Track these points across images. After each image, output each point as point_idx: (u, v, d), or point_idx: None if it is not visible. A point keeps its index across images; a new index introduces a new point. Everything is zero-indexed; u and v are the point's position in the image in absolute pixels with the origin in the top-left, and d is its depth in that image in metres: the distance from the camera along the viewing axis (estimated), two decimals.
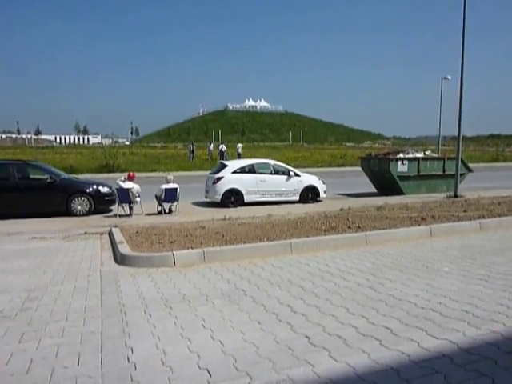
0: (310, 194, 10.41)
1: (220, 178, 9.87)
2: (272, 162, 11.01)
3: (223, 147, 28.98)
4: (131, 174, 8.68)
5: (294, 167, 11.40)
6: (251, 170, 10.29)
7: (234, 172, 10.05)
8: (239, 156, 28.79)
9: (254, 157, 23.18)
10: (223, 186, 9.80)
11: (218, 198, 9.78)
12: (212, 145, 30.88)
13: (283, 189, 10.27)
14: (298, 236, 5.54)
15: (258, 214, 7.87)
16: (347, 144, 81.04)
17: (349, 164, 26.66)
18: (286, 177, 10.33)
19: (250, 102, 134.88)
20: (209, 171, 11.67)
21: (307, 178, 10.65)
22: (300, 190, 10.33)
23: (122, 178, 8.53)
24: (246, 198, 9.87)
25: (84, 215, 8.36)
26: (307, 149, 54.98)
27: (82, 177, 13.76)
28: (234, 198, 9.81)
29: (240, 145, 31.28)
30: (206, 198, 10.31)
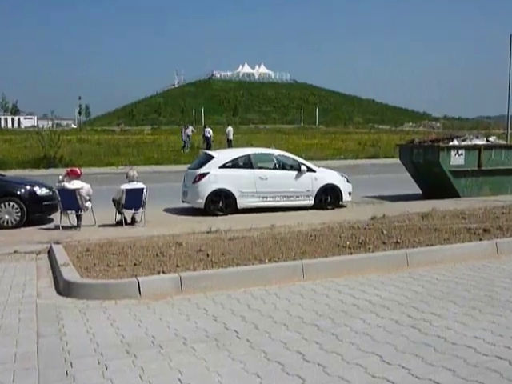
0: (328, 197, 10.54)
1: (203, 175, 9.96)
2: (276, 152, 11.16)
3: (209, 131, 28.88)
4: (76, 169, 8.70)
5: (306, 159, 11.58)
6: (247, 163, 10.39)
7: (223, 166, 10.14)
8: (230, 144, 28.79)
9: (251, 145, 23.44)
10: (208, 186, 9.90)
11: (201, 202, 9.88)
12: (190, 128, 30.82)
13: (292, 189, 10.36)
14: (313, 255, 5.65)
15: (257, 225, 8.00)
16: (380, 127, 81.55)
17: (383, 154, 26.93)
18: (295, 173, 10.43)
19: (244, 69, 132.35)
20: (188, 166, 11.82)
21: (325, 175, 10.76)
22: (315, 192, 10.44)
23: (63, 176, 8.53)
24: (240, 203, 9.97)
25: (13, 227, 8.36)
26: (325, 133, 55.55)
27: (11, 174, 13.72)
28: (222, 202, 9.92)
29: (231, 128, 31.48)
30: (184, 202, 10.45)
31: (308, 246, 6.19)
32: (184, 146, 28.45)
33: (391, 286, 4.77)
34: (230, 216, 9.64)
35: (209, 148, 26.62)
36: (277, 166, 10.65)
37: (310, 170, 10.53)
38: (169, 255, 5.77)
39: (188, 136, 29.09)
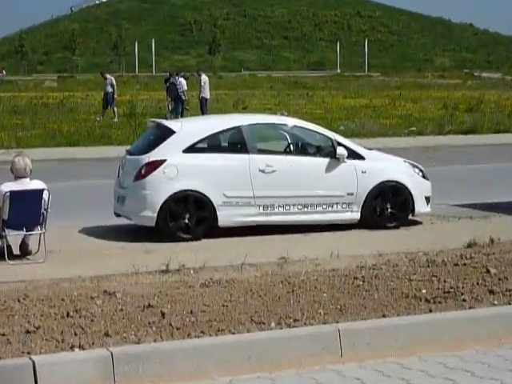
0: (388, 206, 10.68)
1: (155, 166, 10.09)
2: (290, 121, 11.36)
3: (181, 84, 30.33)
4: None
5: (347, 136, 11.57)
6: (236, 142, 10.56)
7: (192, 149, 10.29)
8: (204, 106, 29.89)
9: (244, 109, 23.51)
10: (163, 187, 10.03)
11: (151, 216, 10.00)
12: (113, 79, 31.74)
13: (319, 192, 10.51)
14: (359, 314, 5.71)
15: (255, 258, 8.05)
16: (485, 75, 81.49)
17: (489, 127, 27.19)
18: (325, 160, 10.56)
19: None
20: (126, 148, 12.06)
21: (382, 165, 10.95)
22: (363, 196, 10.57)
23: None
24: (223, 217, 10.10)
25: None
26: (382, 87, 56.01)
27: None
28: (190, 216, 10.05)
29: (205, 79, 31.84)
30: (120, 215, 10.61)
31: (350, 297, 6.25)
32: (181, 110, 29.40)
33: (507, 371, 4.80)
34: (204, 241, 9.74)
35: (173, 114, 26.84)
36: (292, 147, 10.72)
37: (353, 155, 10.64)
38: (91, 315, 5.81)
39: (183, 93, 30.00)
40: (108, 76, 31.81)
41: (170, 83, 30.53)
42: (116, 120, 29.03)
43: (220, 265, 7.85)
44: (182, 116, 27.19)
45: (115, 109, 29.93)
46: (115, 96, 30.37)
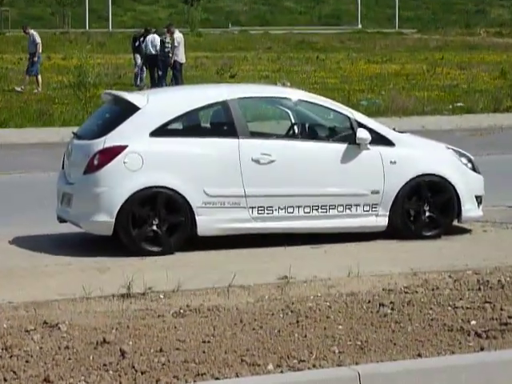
0: (426, 208, 10.70)
1: (112, 154, 10.09)
2: (294, 94, 11.43)
3: (153, 41, 31.10)
4: None
5: (371, 114, 11.39)
6: (221, 122, 10.65)
7: (161, 131, 10.28)
8: (177, 73, 30.89)
9: (232, 77, 23.47)
10: (123, 181, 10.04)
11: (106, 221, 10.02)
12: (35, 34, 32.16)
13: (333, 189, 10.56)
14: (384, 352, 5.69)
15: (246, 278, 8.03)
16: None
17: None
18: (342, 146, 10.59)
19: None
20: (73, 130, 12.11)
21: (417, 154, 11.00)
22: (393, 194, 10.61)
23: None
24: (203, 223, 10.10)
25: None
26: (416, 48, 56.01)
27: None
28: (160, 220, 10.06)
29: (179, 36, 32.04)
30: (64, 220, 10.64)
31: (374, 330, 6.21)
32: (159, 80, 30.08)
33: None
34: (178, 255, 9.75)
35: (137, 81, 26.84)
36: (296, 130, 10.73)
37: (379, 140, 10.68)
38: (26, 354, 5.75)
39: (167, 53, 30.72)
40: (31, 31, 31.82)
41: (142, 43, 30.51)
42: (37, 91, 29.08)
43: (200, 287, 7.78)
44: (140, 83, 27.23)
45: (39, 77, 29.99)
46: (35, 59, 30.39)
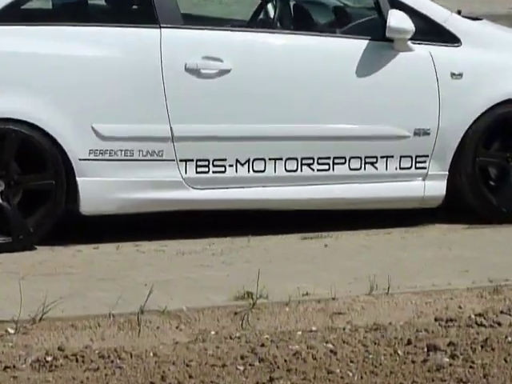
0: None
1: None
2: None
3: None
4: None
5: None
6: None
7: (5, 14, 7.41)
8: None
9: None
10: None
11: None
12: None
13: (346, 125, 7.55)
14: None
15: (174, 298, 6.13)
16: None
17: None
18: (361, 44, 7.51)
19: None
20: None
21: (502, 60, 8.10)
22: (458, 137, 7.68)
23: None
24: (89, 191, 7.33)
25: None
26: None
27: None
28: (9, 185, 7.28)
29: None
30: None
31: (427, 377, 4.55)
32: None
33: None
34: (43, 251, 7.13)
35: None
36: (272, 12, 7.87)
37: (429, 30, 7.67)
38: None
39: None
40: None
41: None
42: None
43: (83, 313, 5.46)
44: None
45: None
46: None
